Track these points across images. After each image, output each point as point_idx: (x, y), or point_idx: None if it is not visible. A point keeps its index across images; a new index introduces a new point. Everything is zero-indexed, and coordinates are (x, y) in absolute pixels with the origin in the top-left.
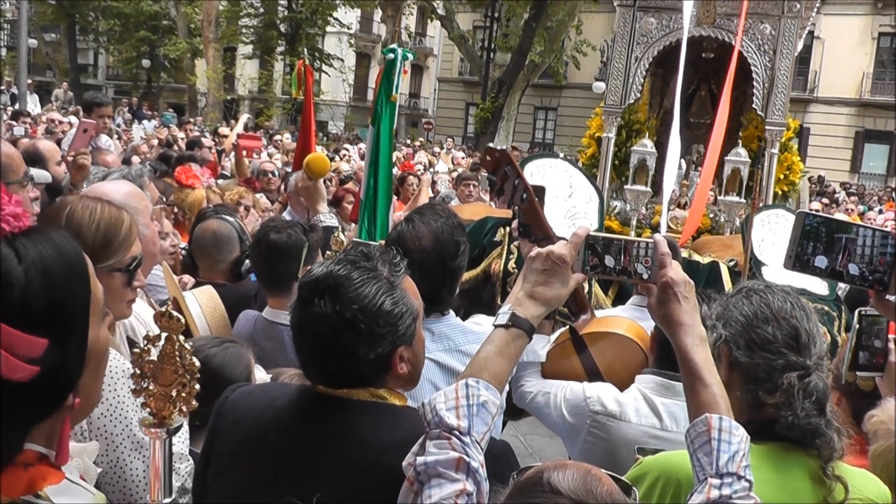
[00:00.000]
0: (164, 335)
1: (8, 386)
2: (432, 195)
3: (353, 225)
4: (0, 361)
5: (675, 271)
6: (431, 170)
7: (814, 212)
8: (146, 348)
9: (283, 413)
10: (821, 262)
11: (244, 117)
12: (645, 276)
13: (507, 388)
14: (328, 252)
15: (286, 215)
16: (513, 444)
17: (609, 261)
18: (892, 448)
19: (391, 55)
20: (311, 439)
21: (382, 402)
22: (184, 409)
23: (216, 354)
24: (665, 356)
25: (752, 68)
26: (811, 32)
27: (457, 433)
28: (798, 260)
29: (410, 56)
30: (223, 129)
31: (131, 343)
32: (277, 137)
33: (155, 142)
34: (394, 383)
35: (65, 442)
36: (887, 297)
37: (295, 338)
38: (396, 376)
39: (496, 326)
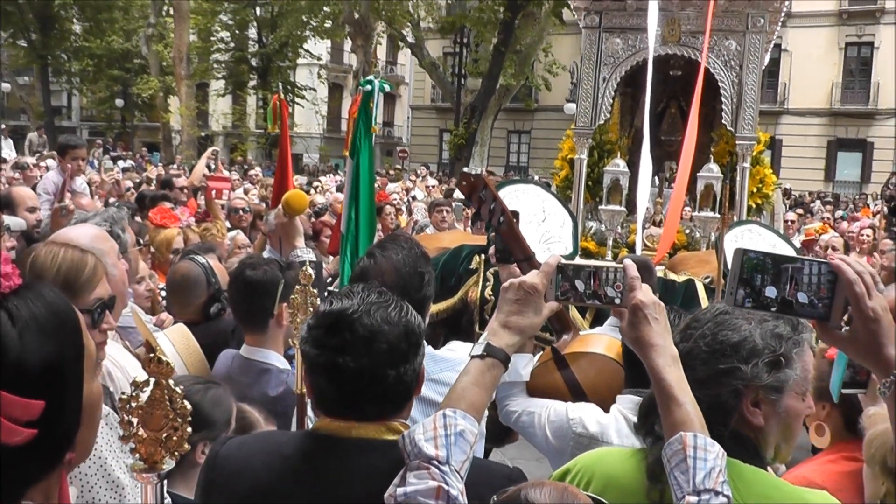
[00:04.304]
0: (152, 380)
1: (5, 450)
2: (410, 223)
3: (332, 258)
4: None
5: (644, 294)
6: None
7: (750, 249)
8: (134, 394)
9: (293, 460)
10: (771, 292)
11: (208, 151)
12: (617, 301)
13: (486, 415)
14: (297, 287)
15: (266, 253)
16: None
17: (580, 286)
18: (883, 433)
19: (368, 87)
20: (328, 484)
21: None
22: (176, 453)
23: (197, 391)
24: (635, 374)
25: (720, 84)
26: (778, 45)
27: (436, 463)
28: (745, 294)
29: (387, 87)
30: None
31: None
32: (252, 172)
33: (130, 183)
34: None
35: (65, 493)
36: (829, 326)
37: (314, 373)
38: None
39: (472, 357)
